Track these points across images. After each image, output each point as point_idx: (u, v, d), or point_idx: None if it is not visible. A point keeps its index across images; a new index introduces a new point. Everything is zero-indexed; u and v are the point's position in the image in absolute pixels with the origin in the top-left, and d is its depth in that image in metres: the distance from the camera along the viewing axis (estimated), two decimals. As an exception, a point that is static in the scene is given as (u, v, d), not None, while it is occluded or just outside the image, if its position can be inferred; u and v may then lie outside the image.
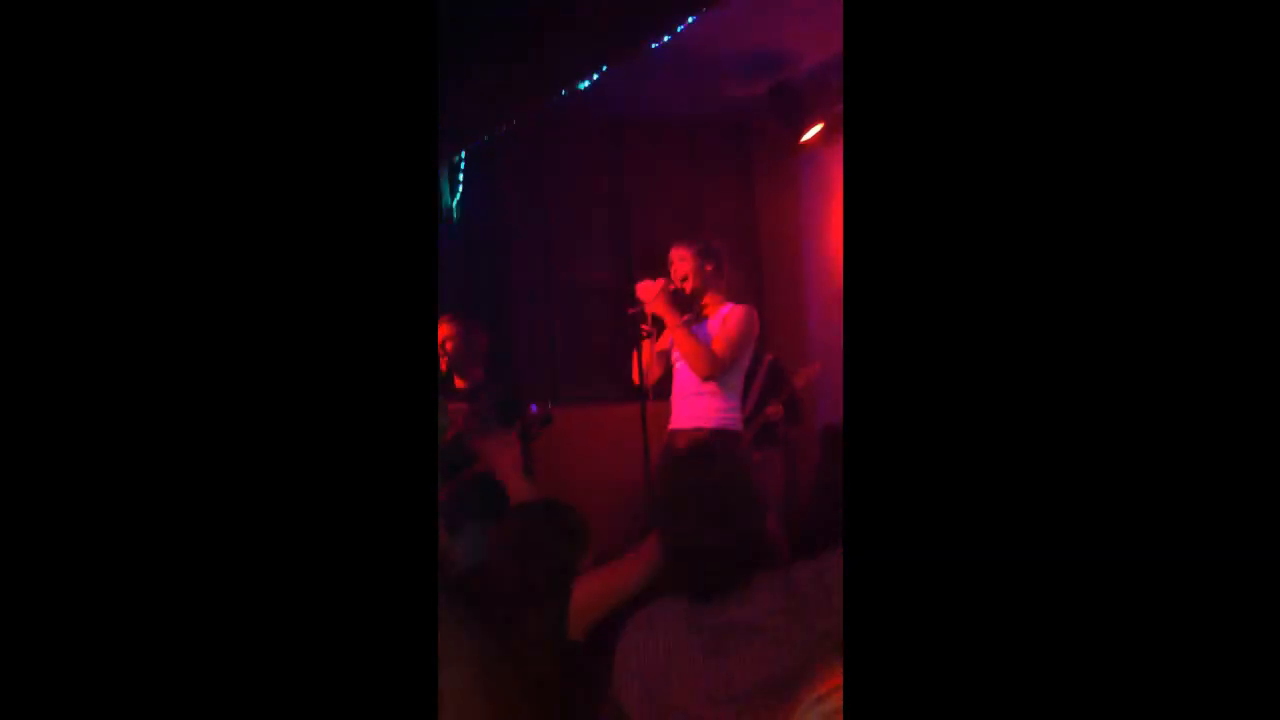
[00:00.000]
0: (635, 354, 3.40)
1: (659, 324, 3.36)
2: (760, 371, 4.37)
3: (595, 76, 4.02)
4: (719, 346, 3.34)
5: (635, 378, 3.37)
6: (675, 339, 3.38)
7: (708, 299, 3.47)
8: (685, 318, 3.40)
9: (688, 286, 3.42)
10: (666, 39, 3.77)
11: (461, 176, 4.85)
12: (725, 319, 3.41)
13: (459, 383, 3.72)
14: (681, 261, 3.44)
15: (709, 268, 3.46)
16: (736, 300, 3.52)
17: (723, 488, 1.63)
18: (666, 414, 3.54)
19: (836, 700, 0.70)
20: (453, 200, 4.87)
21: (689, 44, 4.00)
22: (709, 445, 1.89)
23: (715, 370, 3.34)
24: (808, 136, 4.87)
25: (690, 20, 3.58)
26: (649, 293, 3.32)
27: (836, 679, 0.72)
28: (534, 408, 3.33)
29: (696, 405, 3.41)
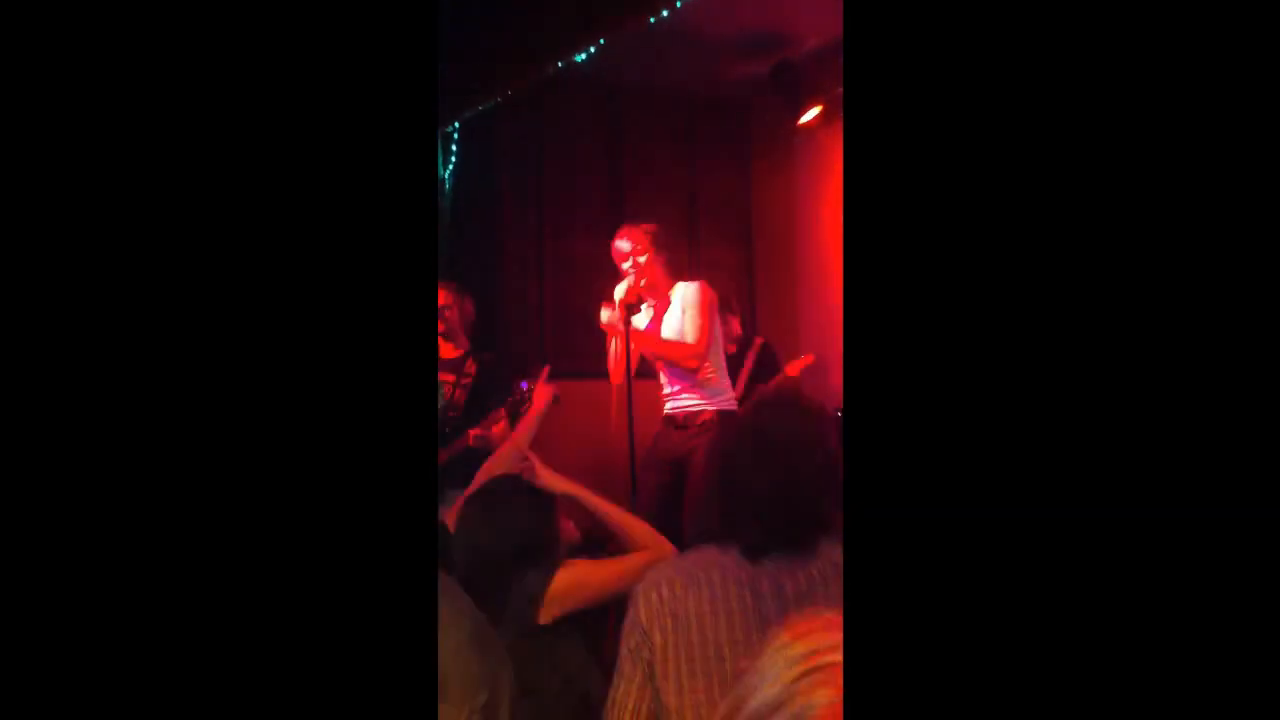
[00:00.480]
0: (611, 352, 3.39)
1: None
2: (750, 355, 4.35)
3: (593, 49, 3.98)
4: (695, 336, 3.34)
5: (613, 376, 3.37)
6: (659, 352, 3.37)
7: (657, 282, 3.45)
8: (649, 325, 3.41)
9: (647, 277, 3.39)
10: (666, 13, 3.74)
11: (455, 147, 4.81)
12: (685, 303, 3.40)
13: (446, 350, 3.70)
14: (638, 250, 3.40)
15: (659, 253, 3.44)
16: (677, 276, 3.51)
17: (806, 443, 1.57)
18: (650, 393, 3.53)
19: (802, 648, 0.70)
20: (445, 170, 4.83)
21: (690, 19, 3.97)
22: (799, 396, 1.81)
23: (702, 360, 3.36)
24: (806, 118, 4.84)
25: (692, -6, 3.56)
26: (614, 324, 3.33)
27: (801, 628, 0.72)
28: (524, 384, 3.30)
29: (690, 395, 3.42)
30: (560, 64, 4.11)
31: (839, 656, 0.70)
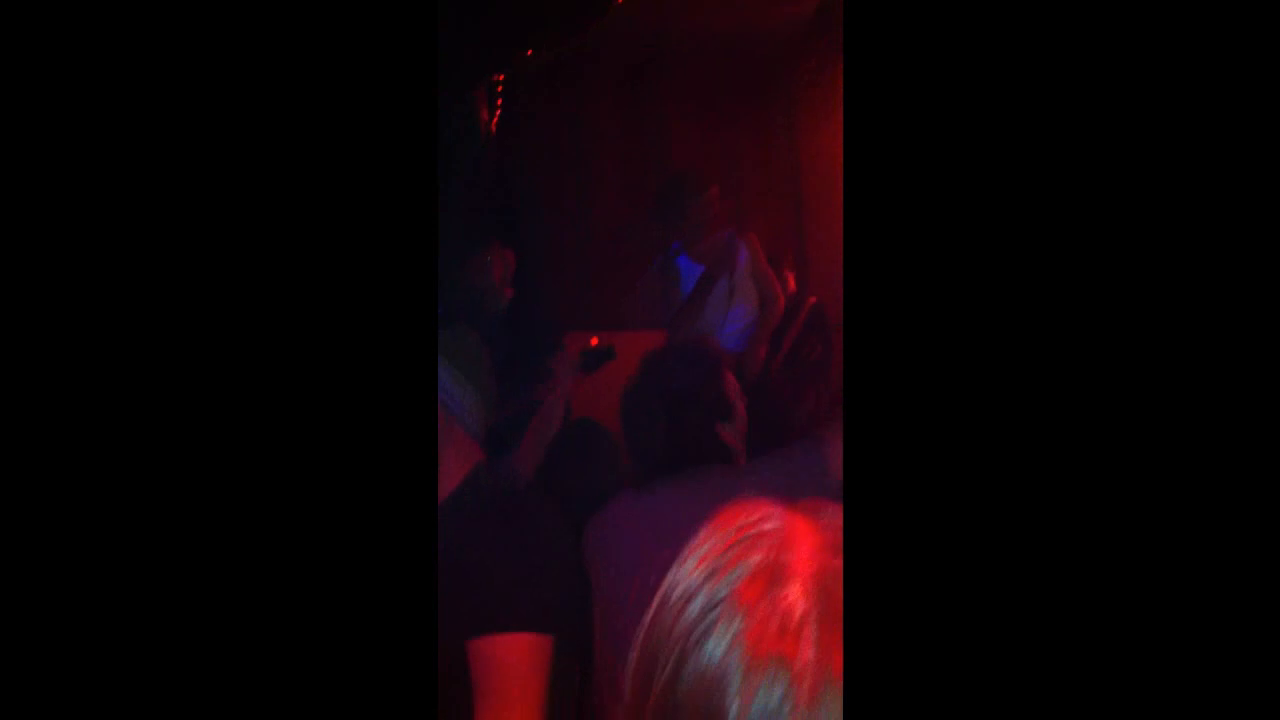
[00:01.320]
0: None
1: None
2: (800, 316, 4.22)
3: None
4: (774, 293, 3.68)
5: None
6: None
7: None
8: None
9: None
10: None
11: (500, 100, 4.78)
12: (752, 274, 3.71)
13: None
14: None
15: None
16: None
17: (688, 388, 1.80)
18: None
19: (734, 523, 0.75)
20: (491, 121, 4.81)
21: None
22: (688, 350, 2.04)
23: None
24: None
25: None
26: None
27: (733, 509, 0.76)
28: (594, 341, 3.32)
29: None
30: (601, 11, 4.05)
31: (769, 525, 0.74)
